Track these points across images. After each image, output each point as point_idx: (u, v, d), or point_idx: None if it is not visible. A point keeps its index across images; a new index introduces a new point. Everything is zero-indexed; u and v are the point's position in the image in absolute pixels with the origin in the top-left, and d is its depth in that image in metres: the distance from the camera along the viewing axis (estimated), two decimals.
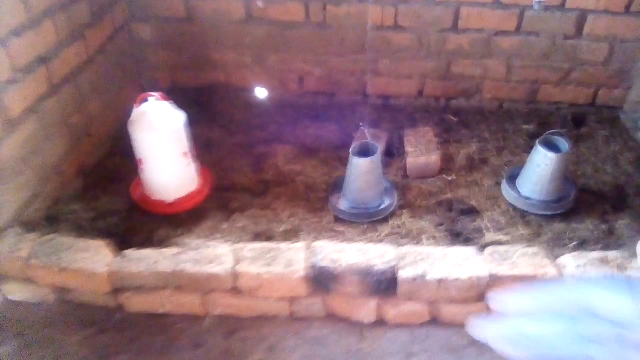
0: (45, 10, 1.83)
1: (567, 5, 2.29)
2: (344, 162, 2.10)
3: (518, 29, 2.37)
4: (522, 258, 1.56)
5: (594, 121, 2.49)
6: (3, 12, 1.63)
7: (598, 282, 0.48)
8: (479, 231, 1.86)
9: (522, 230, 1.87)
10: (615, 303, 0.44)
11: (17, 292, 1.70)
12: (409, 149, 2.18)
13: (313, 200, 2.04)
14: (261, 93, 2.65)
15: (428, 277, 1.50)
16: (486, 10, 2.33)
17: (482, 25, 2.38)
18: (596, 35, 2.36)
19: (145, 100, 1.83)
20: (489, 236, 1.83)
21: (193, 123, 1.96)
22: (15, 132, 1.72)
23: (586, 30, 2.35)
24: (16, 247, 1.64)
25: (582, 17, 2.31)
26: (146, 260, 1.60)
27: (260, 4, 2.39)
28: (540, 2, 2.15)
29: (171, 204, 1.93)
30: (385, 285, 1.53)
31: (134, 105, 1.83)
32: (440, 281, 1.50)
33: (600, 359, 0.43)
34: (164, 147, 1.84)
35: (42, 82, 1.85)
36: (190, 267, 1.56)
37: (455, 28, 2.40)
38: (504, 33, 2.39)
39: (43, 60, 1.84)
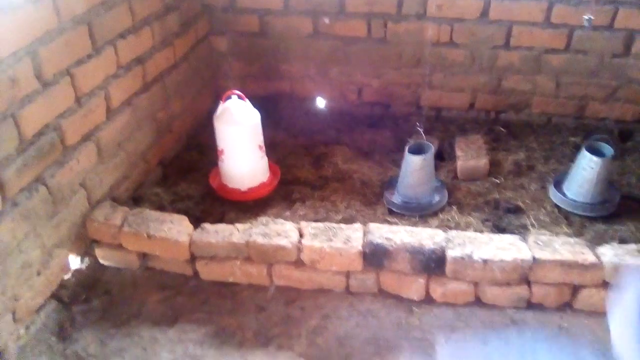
0: (145, 18, 2.12)
1: (615, 25, 2.42)
2: (397, 164, 2.28)
3: (567, 47, 2.52)
4: (564, 246, 1.69)
5: (639, 137, 2.58)
6: (115, 18, 1.93)
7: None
8: (524, 227, 1.99)
9: (566, 229, 1.99)
10: None
11: (107, 257, 1.95)
12: (459, 153, 2.34)
13: (368, 195, 2.23)
14: (322, 102, 2.88)
15: (475, 257, 1.65)
16: (537, 28, 2.49)
17: (532, 43, 2.54)
18: None
19: (229, 97, 2.08)
20: (533, 232, 1.95)
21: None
22: (115, 120, 2.00)
23: (634, 49, 2.47)
24: (111, 216, 1.89)
25: (630, 36, 2.44)
26: (222, 233, 1.82)
27: (326, 21, 2.63)
28: (589, 19, 2.29)
29: (245, 192, 2.16)
30: (434, 263, 1.69)
31: (220, 102, 2.08)
32: (485, 261, 1.65)
33: None
34: (243, 139, 2.08)
35: (138, 79, 2.14)
36: (260, 239, 1.76)
37: (506, 45, 2.57)
38: (554, 51, 2.54)
39: (140, 60, 2.13)
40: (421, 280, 1.75)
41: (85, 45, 1.78)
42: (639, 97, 2.60)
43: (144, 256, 1.93)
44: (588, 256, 1.65)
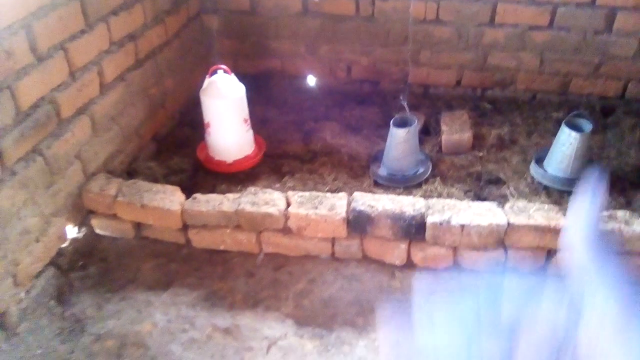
0: None
1: (597, 3, 2.48)
2: (384, 139, 2.34)
3: (551, 24, 2.58)
4: (538, 212, 1.77)
5: (621, 112, 2.65)
6: None
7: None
8: (504, 197, 2.07)
9: (544, 199, 2.07)
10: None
11: (102, 227, 2.03)
12: (444, 127, 2.41)
13: (355, 168, 2.30)
14: (312, 80, 2.94)
15: (453, 222, 1.73)
16: (521, 6, 2.55)
17: (517, 20, 2.60)
18: (625, 31, 2.54)
19: (215, 72, 2.14)
20: (511, 201, 2.03)
21: (251, 104, 2.27)
22: (108, 94, 2.07)
23: (616, 25, 2.53)
24: (106, 187, 1.97)
25: (612, 13, 2.50)
26: (212, 202, 1.90)
27: None
28: None
29: (231, 164, 2.24)
30: (414, 229, 1.77)
31: (206, 76, 2.15)
32: (463, 226, 1.73)
33: None
34: (228, 112, 2.15)
35: (130, 55, 2.20)
36: (249, 207, 1.84)
37: (492, 22, 2.62)
38: (538, 28, 2.60)
39: (132, 37, 2.19)
40: (402, 246, 1.83)
41: (78, 21, 1.84)
42: (621, 73, 2.67)
43: (138, 226, 2.01)
44: (561, 221, 1.73)
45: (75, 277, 1.88)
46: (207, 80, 2.15)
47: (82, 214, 1.98)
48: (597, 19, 2.53)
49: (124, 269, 1.92)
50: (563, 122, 2.15)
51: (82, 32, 1.87)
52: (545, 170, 2.18)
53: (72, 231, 1.95)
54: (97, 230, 2.04)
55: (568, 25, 2.57)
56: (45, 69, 1.71)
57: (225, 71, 2.15)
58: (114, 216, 1.97)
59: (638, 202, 2.07)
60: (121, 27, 2.10)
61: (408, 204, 1.80)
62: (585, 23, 2.55)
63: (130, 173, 2.23)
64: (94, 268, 1.92)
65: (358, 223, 1.80)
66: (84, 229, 2.00)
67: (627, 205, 2.06)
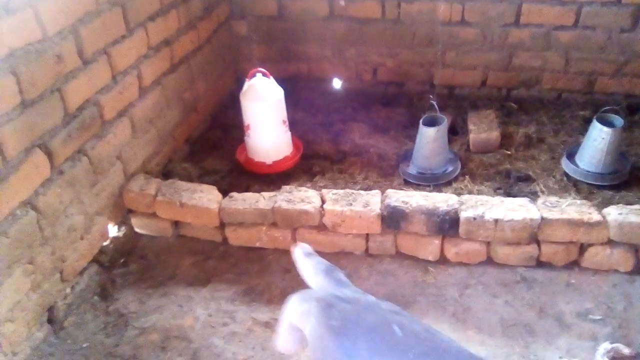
0: (172, 1, 2.25)
1: (623, 1, 2.50)
2: (412, 139, 2.39)
3: (576, 23, 2.60)
4: (570, 207, 1.80)
5: None
6: (145, 1, 2.06)
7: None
8: (534, 194, 2.10)
9: (574, 195, 2.09)
10: None
11: (142, 226, 2.09)
12: (471, 126, 2.44)
13: (384, 167, 2.34)
14: (338, 83, 2.99)
15: (486, 217, 1.76)
16: (546, 6, 2.58)
17: (542, 20, 2.62)
18: None
19: (254, 75, 2.21)
20: (543, 198, 2.05)
21: None
22: (146, 97, 2.13)
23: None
24: (145, 186, 2.03)
25: (638, 11, 2.52)
26: (249, 200, 1.95)
27: (342, 2, 2.74)
28: None
29: (270, 165, 2.30)
30: (448, 224, 1.81)
31: (246, 80, 2.21)
32: (496, 221, 1.76)
33: None
34: (268, 114, 2.22)
35: (166, 60, 2.27)
36: (285, 205, 1.89)
37: (517, 23, 2.65)
38: (563, 27, 2.63)
39: (167, 42, 2.26)
40: (436, 241, 1.86)
41: (119, 26, 1.92)
42: None
43: (176, 224, 2.07)
44: (593, 215, 1.75)
45: (117, 274, 1.94)
46: (247, 84, 2.21)
47: (122, 213, 2.05)
48: (623, 17, 2.55)
49: (163, 266, 1.98)
50: (594, 118, 2.17)
51: (123, 37, 1.94)
52: (577, 166, 2.20)
53: (112, 230, 2.02)
54: (137, 229, 2.10)
55: (593, 24, 2.59)
56: (91, 72, 1.78)
57: (264, 74, 2.22)
58: (153, 215, 2.03)
59: None
60: (158, 33, 2.17)
61: (441, 200, 1.84)
62: (610, 21, 2.57)
63: (166, 174, 2.29)
64: (135, 265, 1.98)
65: (392, 219, 1.84)
66: (123, 228, 2.07)
67: None
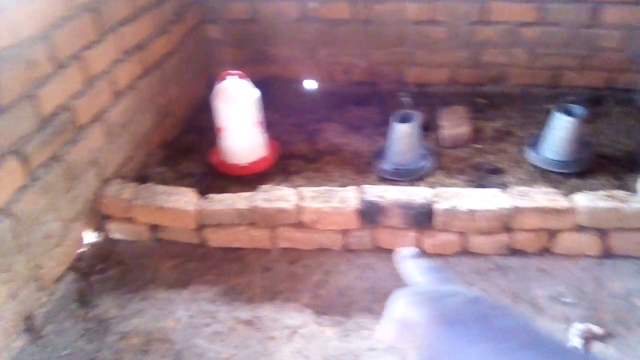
0: (144, 5, 2.26)
1: None
2: (385, 136, 2.42)
3: (540, 20, 2.68)
4: (540, 195, 1.85)
5: (610, 101, 2.76)
6: (117, 6, 2.06)
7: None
8: (505, 185, 2.15)
9: (542, 184, 2.15)
10: None
11: (118, 231, 2.08)
12: (443, 123, 2.50)
13: (360, 164, 2.38)
14: (311, 84, 3.02)
15: (460, 208, 1.81)
16: (510, 3, 2.66)
17: (507, 18, 2.70)
18: (611, 24, 2.65)
19: (225, 78, 2.22)
20: (513, 188, 2.11)
21: None
22: (120, 102, 2.13)
23: (601, 19, 2.64)
24: (121, 191, 2.02)
25: (597, 7, 2.61)
26: (226, 201, 1.96)
27: (312, 4, 2.78)
28: None
29: (245, 167, 2.31)
30: (423, 217, 1.85)
31: (216, 82, 2.22)
32: (470, 211, 1.81)
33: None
34: (242, 116, 2.23)
35: (139, 64, 2.27)
36: (262, 204, 1.91)
37: (483, 21, 2.73)
38: (527, 24, 2.71)
39: (140, 47, 2.26)
40: (412, 234, 1.90)
41: (92, 31, 1.91)
42: (608, 65, 2.77)
43: (153, 228, 2.06)
44: (562, 202, 1.81)
45: (95, 280, 1.93)
46: (219, 86, 2.22)
47: (98, 219, 2.03)
48: (584, 13, 2.64)
49: (142, 270, 1.97)
50: (554, 108, 2.25)
51: (96, 42, 1.94)
52: (541, 155, 2.27)
53: (89, 236, 2.01)
54: (114, 234, 2.09)
55: (556, 21, 2.68)
56: (64, 77, 1.77)
57: (240, 76, 2.23)
58: (130, 220, 2.03)
59: (631, 183, 2.16)
60: (130, 37, 2.17)
61: (416, 194, 1.88)
62: (573, 17, 2.66)
63: (141, 178, 2.28)
64: (113, 271, 1.97)
65: (369, 214, 1.87)
66: (100, 234, 2.06)
67: (621, 187, 2.14)
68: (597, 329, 1.60)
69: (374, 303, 1.78)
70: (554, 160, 2.23)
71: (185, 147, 2.58)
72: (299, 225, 1.93)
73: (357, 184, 2.21)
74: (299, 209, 1.89)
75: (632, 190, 2.12)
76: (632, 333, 1.62)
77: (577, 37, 2.70)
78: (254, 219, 1.93)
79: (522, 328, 0.43)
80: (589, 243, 1.86)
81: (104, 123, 2.03)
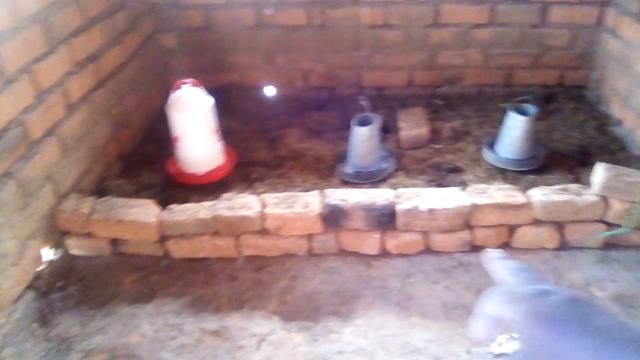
0: (95, 16, 2.21)
1: None
2: (346, 140, 2.44)
3: (491, 21, 2.76)
4: (498, 191, 1.90)
5: (562, 98, 2.85)
6: (67, 17, 2.01)
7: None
8: (464, 183, 2.20)
9: (500, 182, 2.21)
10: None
11: (78, 247, 2.03)
12: (402, 124, 2.53)
13: (322, 169, 2.39)
14: (270, 90, 3.02)
15: (421, 208, 1.84)
16: (462, 6, 2.72)
17: (459, 20, 2.76)
18: (558, 23, 2.74)
19: (180, 87, 2.19)
20: (472, 186, 2.16)
21: None
22: (74, 115, 2.08)
23: (549, 19, 2.73)
24: (79, 206, 1.98)
25: (545, 8, 2.70)
26: (188, 211, 1.94)
27: (268, 11, 2.78)
28: None
29: (202, 176, 2.28)
30: (386, 218, 1.87)
31: (171, 91, 2.19)
32: (431, 211, 1.84)
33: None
34: (197, 125, 2.20)
35: (92, 76, 2.22)
36: (225, 212, 1.89)
37: (437, 23, 2.78)
38: (480, 26, 2.78)
39: (93, 58, 2.22)
40: (376, 236, 1.92)
41: (41, 43, 1.86)
42: (558, 63, 2.87)
43: (114, 242, 2.02)
44: (519, 197, 1.86)
45: (56, 298, 1.87)
46: (173, 95, 2.19)
47: (56, 236, 1.98)
48: (532, 14, 2.72)
49: (104, 286, 1.93)
50: (508, 107, 2.31)
51: (46, 54, 1.89)
52: (497, 154, 2.32)
53: (47, 254, 1.95)
54: (73, 251, 2.04)
55: (507, 22, 2.76)
56: (13, 91, 1.72)
57: (192, 84, 2.20)
58: (89, 235, 1.98)
59: (585, 176, 2.24)
60: (82, 48, 2.13)
61: (378, 195, 1.90)
62: (522, 18, 2.74)
63: (100, 192, 2.23)
64: (74, 288, 1.92)
65: (332, 217, 1.88)
66: (59, 251, 2.00)
67: (575, 180, 2.21)
68: None
69: (341, 306, 1.78)
70: (510, 159, 2.29)
71: (144, 158, 2.54)
72: (263, 232, 1.92)
73: (320, 188, 2.23)
74: (262, 216, 1.89)
75: (586, 183, 2.20)
76: None
77: (527, 37, 2.79)
78: (217, 227, 1.92)
79: (619, 325, 0.44)
80: (546, 236, 1.91)
81: (59, 137, 1.98)
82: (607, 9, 2.66)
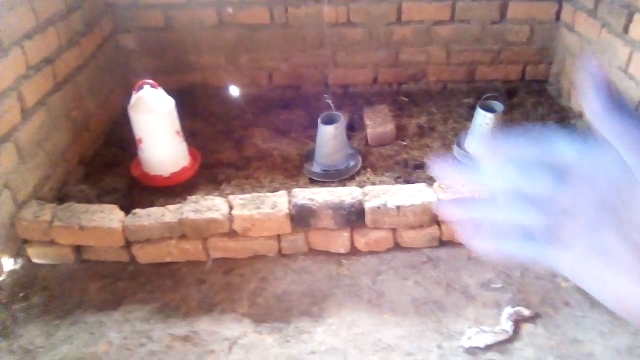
0: (49, 18, 2.14)
1: None
2: (313, 139, 2.44)
3: (452, 18, 2.79)
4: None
5: (524, 93, 2.91)
6: (18, 19, 1.94)
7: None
8: (431, 179, 2.22)
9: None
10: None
11: (39, 255, 1.96)
12: (367, 122, 2.54)
13: (289, 169, 2.37)
14: (235, 90, 2.99)
15: (389, 205, 1.84)
16: (424, 3, 2.74)
17: (421, 17, 2.79)
18: (517, 19, 2.79)
19: (141, 87, 2.15)
20: (438, 182, 2.18)
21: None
22: (30, 120, 2.01)
23: (509, 15, 2.78)
24: (39, 213, 1.91)
25: (504, 4, 2.75)
26: (153, 215, 1.90)
27: (230, 11, 2.75)
28: None
29: (168, 177, 2.24)
30: (354, 216, 1.87)
31: (133, 92, 2.14)
32: (399, 207, 1.85)
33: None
34: (160, 126, 2.16)
35: (49, 79, 2.15)
36: (192, 215, 1.86)
37: (399, 21, 2.80)
38: (441, 22, 2.81)
39: (48, 61, 2.15)
40: (345, 234, 1.92)
41: None
42: (519, 58, 2.92)
43: (78, 249, 1.97)
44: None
45: (18, 309, 1.81)
46: (134, 96, 2.14)
47: (16, 245, 1.92)
48: (492, 10, 2.77)
49: (68, 295, 1.87)
50: (477, 105, 2.34)
51: None
52: (466, 152, 2.35)
53: (8, 263, 1.88)
54: (34, 260, 1.98)
55: (467, 18, 2.80)
56: None
57: (152, 85, 2.16)
58: (51, 242, 1.92)
59: None
60: (37, 51, 2.06)
61: (346, 194, 1.90)
62: (482, 14, 2.78)
63: (61, 198, 2.17)
64: (37, 297, 1.86)
65: (301, 217, 1.87)
66: (20, 260, 1.94)
67: None
68: (526, 311, 1.68)
69: (312, 306, 1.78)
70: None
71: (107, 162, 2.47)
72: (231, 234, 1.90)
73: (288, 188, 2.22)
74: (230, 218, 1.86)
75: None
76: (559, 312, 1.71)
77: (488, 32, 2.83)
78: (184, 231, 1.89)
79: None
80: None
81: (15, 143, 1.91)
82: (565, 4, 2.72)
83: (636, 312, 0.38)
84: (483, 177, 0.47)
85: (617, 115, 0.37)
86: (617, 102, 0.37)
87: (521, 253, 0.43)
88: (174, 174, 2.25)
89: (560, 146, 0.41)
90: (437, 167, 0.48)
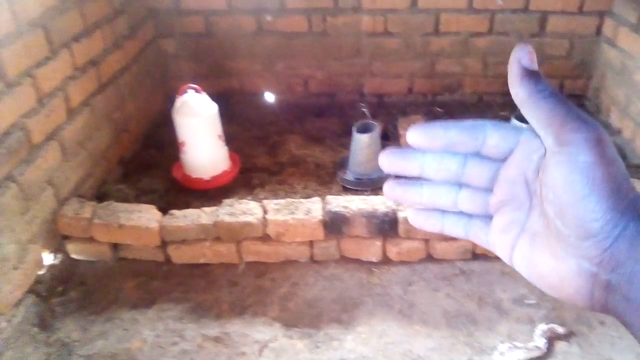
0: (96, 21, 2.21)
1: (530, 7, 2.70)
2: (347, 147, 2.45)
3: (490, 30, 2.78)
4: None
5: None
6: (68, 22, 2.01)
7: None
8: None
9: None
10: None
11: (78, 251, 2.02)
12: (402, 132, 2.54)
13: (322, 176, 2.39)
14: (271, 96, 3.03)
15: None
16: (462, 15, 2.74)
17: (459, 29, 2.78)
18: (557, 33, 2.76)
19: (186, 91, 2.20)
20: None
21: None
22: (75, 119, 2.08)
23: (548, 28, 2.75)
24: (80, 210, 1.97)
25: (544, 17, 2.73)
26: (190, 216, 1.94)
27: (268, 18, 2.79)
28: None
29: (209, 181, 2.29)
30: (387, 225, 1.87)
31: (177, 96, 2.20)
32: None
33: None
34: (203, 130, 2.21)
35: (93, 80, 2.22)
36: (227, 218, 1.89)
37: (436, 32, 2.80)
38: (479, 34, 2.80)
39: (94, 63, 2.22)
40: (378, 243, 1.92)
41: (43, 48, 1.86)
42: (557, 72, 2.89)
43: (115, 247, 2.01)
44: None
45: (56, 302, 1.87)
46: (179, 100, 2.20)
47: (57, 240, 1.97)
48: (532, 23, 2.75)
49: (105, 291, 1.92)
50: (512, 116, 2.32)
51: (47, 58, 1.89)
52: None
53: (48, 258, 1.94)
54: (73, 255, 2.03)
55: (506, 30, 2.78)
56: (15, 95, 1.72)
57: (196, 90, 2.21)
58: (90, 239, 1.97)
59: None
60: (83, 53, 2.13)
61: (380, 202, 1.90)
62: (521, 27, 2.76)
63: (100, 197, 2.23)
64: (74, 292, 1.91)
65: (334, 224, 1.88)
66: (59, 255, 1.99)
67: None
68: (560, 329, 1.66)
69: (342, 313, 1.78)
70: None
71: (144, 163, 2.53)
72: (265, 238, 1.92)
73: (321, 195, 2.24)
74: (264, 222, 1.89)
75: None
76: (593, 331, 1.68)
77: None
78: (219, 233, 1.92)
79: None
80: None
81: (60, 141, 1.97)
82: (606, 19, 2.69)
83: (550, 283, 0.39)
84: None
85: (540, 99, 0.38)
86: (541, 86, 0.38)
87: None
88: (215, 177, 2.29)
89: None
90: None
